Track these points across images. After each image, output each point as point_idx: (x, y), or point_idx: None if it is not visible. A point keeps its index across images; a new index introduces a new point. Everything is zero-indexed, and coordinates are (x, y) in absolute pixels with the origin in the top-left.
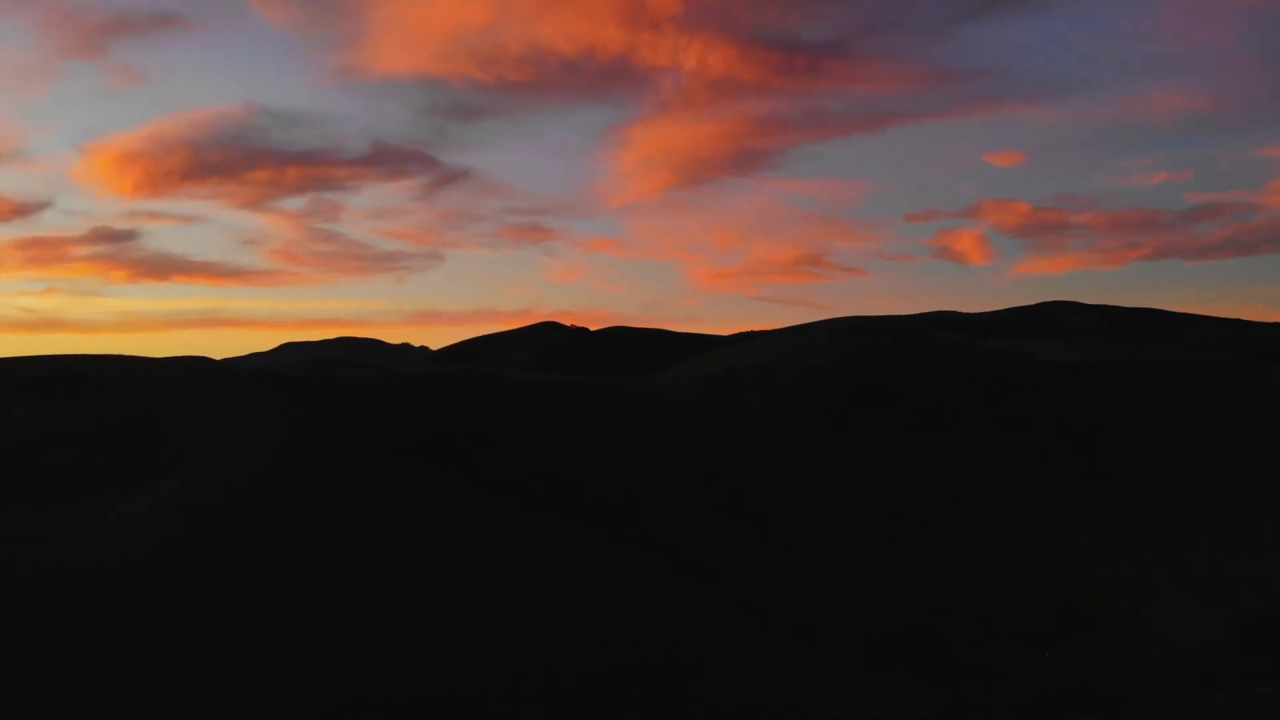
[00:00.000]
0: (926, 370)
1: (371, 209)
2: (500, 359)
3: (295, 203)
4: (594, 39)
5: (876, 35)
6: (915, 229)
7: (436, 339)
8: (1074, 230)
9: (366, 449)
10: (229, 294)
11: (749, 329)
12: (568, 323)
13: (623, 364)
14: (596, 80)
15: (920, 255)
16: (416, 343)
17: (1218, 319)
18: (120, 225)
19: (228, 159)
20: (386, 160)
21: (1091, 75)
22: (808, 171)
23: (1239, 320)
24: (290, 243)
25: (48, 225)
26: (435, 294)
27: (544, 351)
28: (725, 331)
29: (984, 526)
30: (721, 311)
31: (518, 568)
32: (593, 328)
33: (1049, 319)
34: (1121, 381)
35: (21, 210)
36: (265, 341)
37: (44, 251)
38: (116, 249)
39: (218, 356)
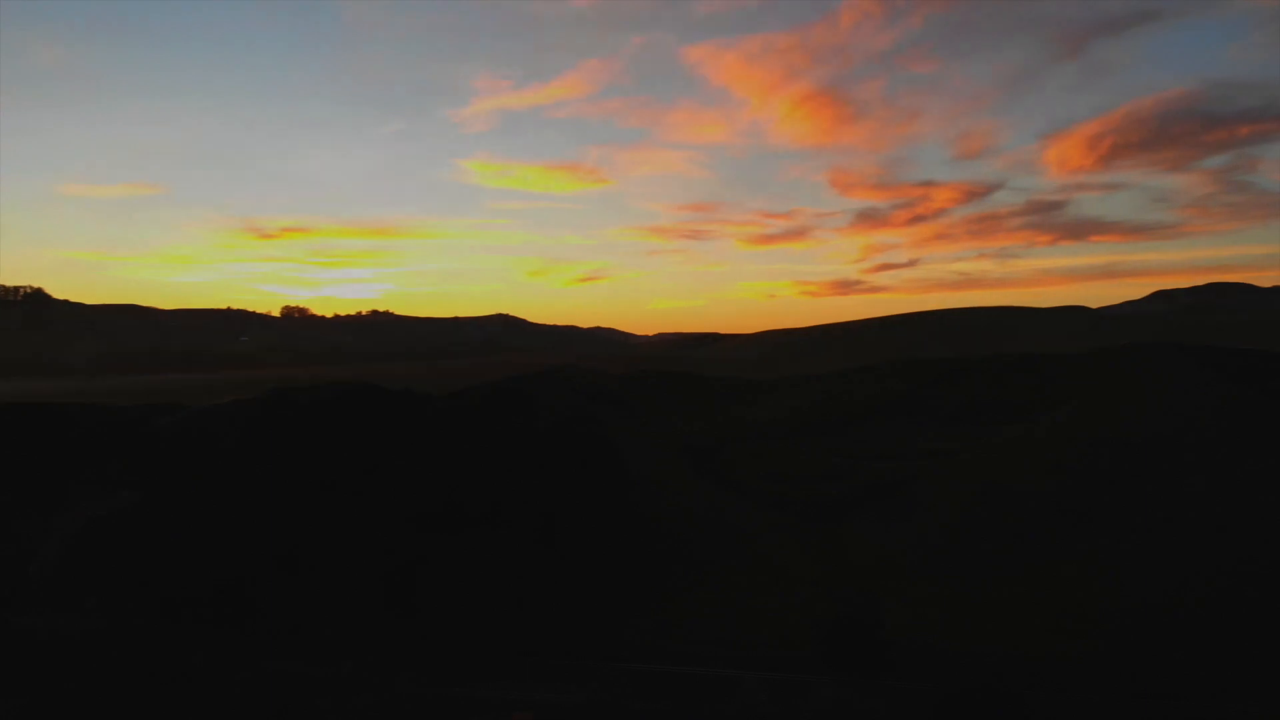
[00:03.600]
0: None
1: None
2: None
3: (1214, 161)
4: None
5: None
6: None
7: None
8: None
9: (1233, 390)
10: (1128, 249)
11: None
12: None
13: None
14: None
15: None
16: None
17: None
18: (1053, 198)
19: (1159, 132)
20: None
21: None
22: None
23: None
24: (1201, 198)
25: (995, 204)
26: None
27: None
28: None
29: None
30: None
31: None
32: None
33: None
34: None
35: (975, 194)
36: (1139, 290)
37: (986, 225)
38: (1045, 218)
39: (1094, 306)
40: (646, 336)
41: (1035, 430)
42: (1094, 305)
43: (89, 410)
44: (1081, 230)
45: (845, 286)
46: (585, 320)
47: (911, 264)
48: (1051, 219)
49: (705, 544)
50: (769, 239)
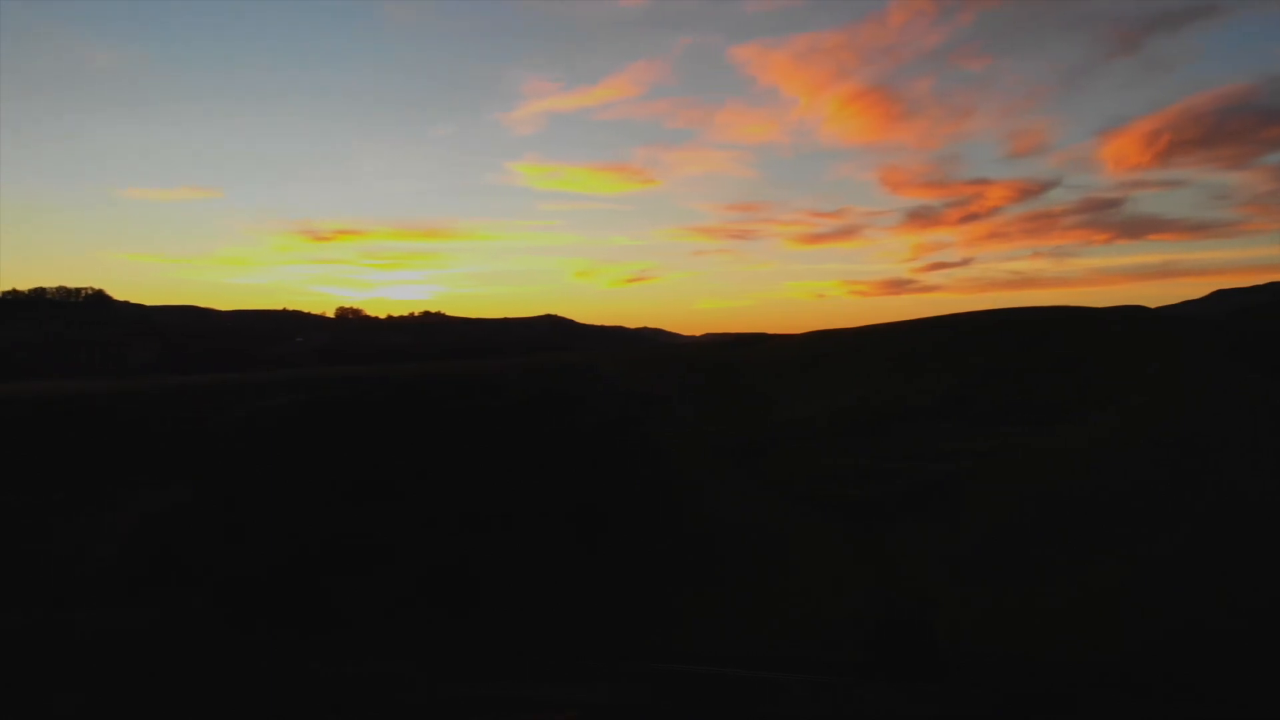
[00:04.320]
0: None
1: None
2: None
3: (1275, 158)
4: None
5: None
6: None
7: None
8: None
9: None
10: (1187, 248)
11: None
12: None
13: None
14: None
15: None
16: None
17: None
18: (1109, 195)
19: (1217, 128)
20: None
21: None
22: None
23: None
24: (1261, 195)
25: (1050, 202)
26: None
27: None
28: None
29: None
30: None
31: None
32: None
33: None
34: None
35: (1030, 192)
36: (1198, 290)
37: (1040, 224)
38: (1101, 216)
39: (1152, 305)
40: (694, 337)
41: (1088, 431)
42: (1152, 305)
43: (147, 408)
44: (1138, 228)
45: (896, 286)
46: (632, 320)
47: (965, 263)
48: (1107, 217)
49: (747, 545)
50: (818, 238)
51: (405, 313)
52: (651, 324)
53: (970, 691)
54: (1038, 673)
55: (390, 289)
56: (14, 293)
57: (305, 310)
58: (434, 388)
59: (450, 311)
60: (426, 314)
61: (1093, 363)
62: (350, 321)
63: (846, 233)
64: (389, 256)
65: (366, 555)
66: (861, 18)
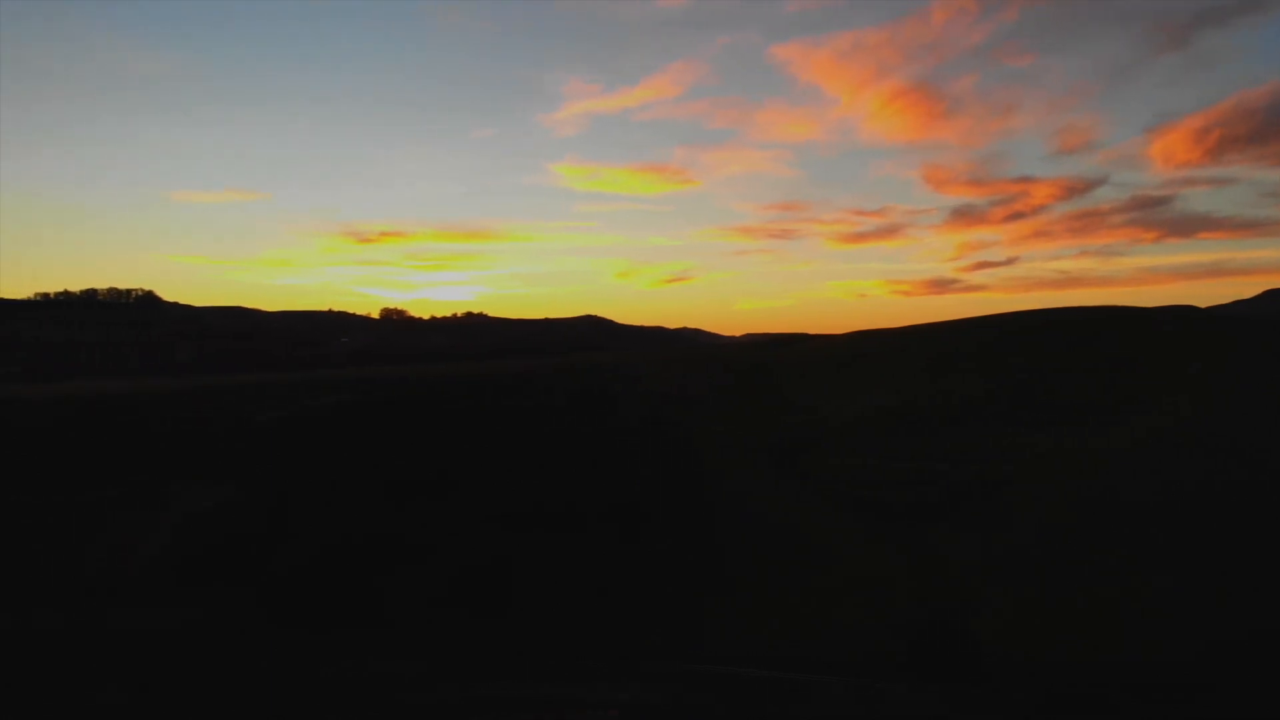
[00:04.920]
0: None
1: None
2: None
3: None
4: None
5: None
6: None
7: None
8: None
9: None
10: (1237, 246)
11: None
12: None
13: None
14: None
15: None
16: None
17: None
18: (1157, 193)
19: (1268, 124)
20: None
21: None
22: None
23: None
24: None
25: (1096, 200)
26: None
27: None
28: None
29: None
30: None
31: None
32: None
33: None
34: None
35: (1076, 190)
36: (1249, 289)
37: (1087, 223)
38: (1149, 214)
39: (1202, 305)
40: (733, 337)
41: (1136, 434)
42: (1202, 304)
43: (195, 407)
44: (1188, 227)
45: (940, 285)
46: (672, 321)
47: (1010, 262)
48: (1156, 215)
49: (785, 547)
50: (859, 237)
51: (447, 314)
52: (691, 324)
53: (1011, 694)
54: (1079, 676)
55: (433, 290)
56: (66, 294)
57: (350, 311)
58: (475, 388)
59: (491, 312)
60: (468, 315)
61: (1142, 363)
62: (394, 322)
63: (889, 232)
64: (432, 258)
65: (406, 554)
66: (904, 15)
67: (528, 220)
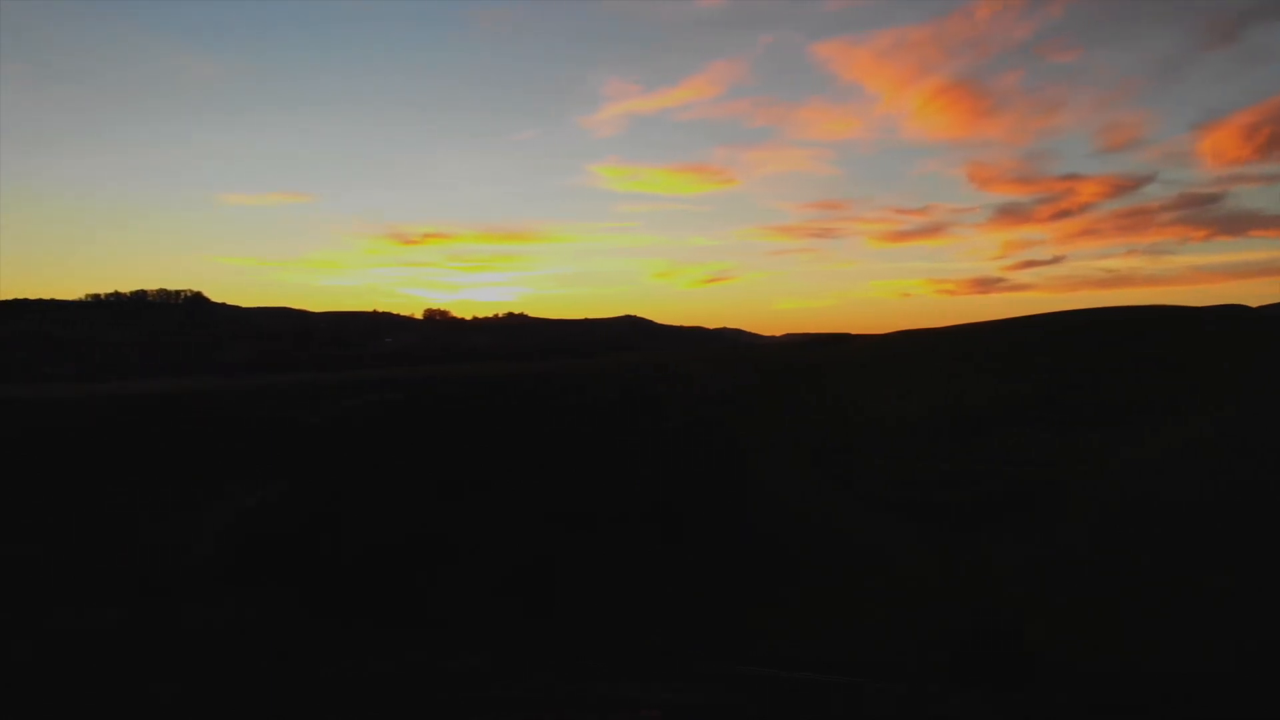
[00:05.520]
0: None
1: None
2: None
3: None
4: None
5: None
6: None
7: None
8: None
9: None
10: None
11: None
12: None
13: None
14: None
15: None
16: None
17: None
18: (1207, 190)
19: None
20: None
21: None
22: None
23: None
24: None
25: (1145, 197)
26: None
27: None
28: None
29: None
30: None
31: None
32: None
33: None
34: None
35: (1124, 187)
36: None
37: (1135, 220)
38: (1199, 211)
39: (1254, 304)
40: (774, 337)
41: (1187, 436)
42: (1253, 304)
43: (244, 406)
44: (1239, 224)
45: (985, 285)
46: (712, 321)
47: (1056, 261)
48: (1206, 213)
49: (828, 549)
50: (902, 236)
51: (490, 314)
52: (731, 324)
53: (1058, 700)
54: (1128, 684)
55: (475, 291)
56: (116, 295)
57: (394, 312)
58: (517, 388)
59: (532, 312)
60: (510, 315)
61: (1191, 364)
62: (437, 323)
63: (932, 230)
64: (474, 259)
65: (452, 553)
66: (946, 12)
67: (568, 221)
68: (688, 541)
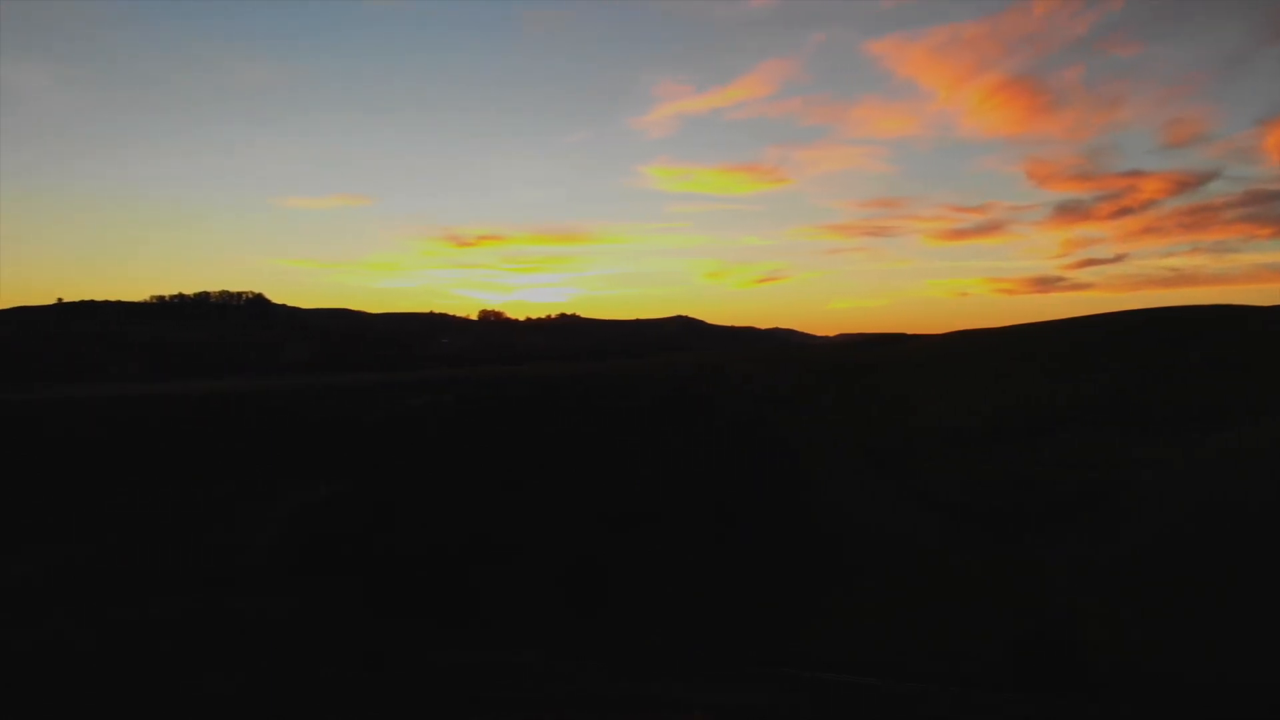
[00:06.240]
0: None
1: None
2: None
3: None
4: None
5: None
6: None
7: None
8: None
9: None
10: None
11: None
12: None
13: None
14: None
15: None
16: None
17: None
18: (1274, 187)
19: None
20: None
21: None
22: None
23: None
24: None
25: (1209, 194)
26: None
27: None
28: None
29: None
30: None
31: None
32: None
33: None
34: None
35: (1187, 184)
36: None
37: (1199, 218)
38: (1265, 209)
39: None
40: (827, 337)
41: (1255, 438)
42: None
43: (305, 405)
44: None
45: (1045, 284)
46: (764, 321)
47: (1118, 259)
48: (1273, 210)
49: (881, 552)
50: (959, 234)
51: (542, 315)
52: (783, 324)
53: (1118, 708)
54: (1191, 694)
55: (528, 291)
56: (181, 296)
57: (450, 313)
58: (570, 388)
59: (584, 313)
60: (562, 316)
61: (1255, 364)
62: (491, 324)
63: (990, 228)
64: (527, 260)
65: (505, 549)
66: (1003, 7)
67: (619, 222)
68: (738, 542)
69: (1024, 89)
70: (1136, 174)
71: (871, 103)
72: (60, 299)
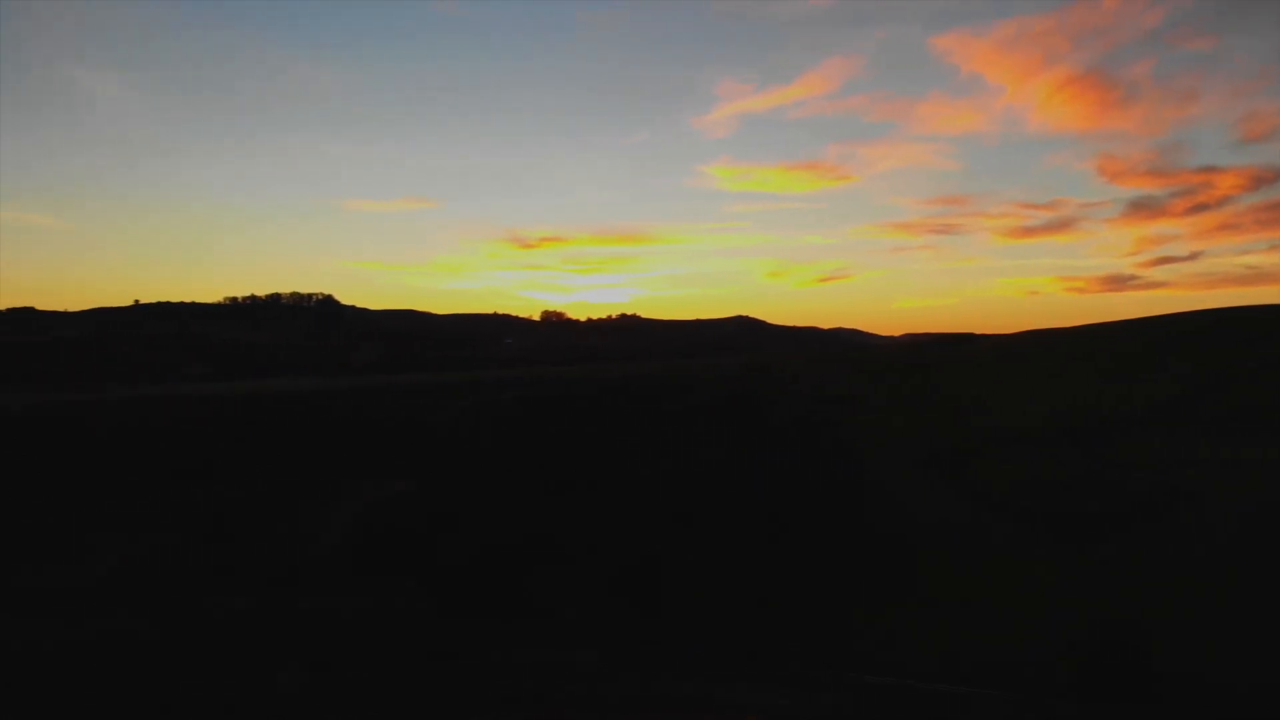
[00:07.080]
0: None
1: None
2: None
3: None
4: None
5: None
6: None
7: None
8: None
9: None
10: None
11: None
12: None
13: None
14: None
15: None
16: None
17: None
18: None
19: None
20: None
21: None
22: None
23: None
24: None
25: None
26: None
27: None
28: None
29: None
30: None
31: None
32: None
33: None
34: None
35: (1265, 179)
36: None
37: (1276, 214)
38: None
39: None
40: (892, 337)
41: None
42: None
43: (373, 405)
44: None
45: (1117, 282)
46: (826, 321)
47: (1193, 257)
48: None
49: (943, 556)
50: (1028, 232)
51: (604, 315)
52: (846, 324)
53: (1185, 718)
54: (1259, 701)
55: (590, 292)
56: (253, 298)
57: (513, 314)
58: (632, 388)
59: (645, 314)
60: (624, 316)
61: None
62: (554, 324)
63: (1060, 226)
64: (589, 261)
65: (564, 551)
66: (1071, 0)
67: (681, 222)
68: (798, 544)
69: (1094, 83)
70: (1211, 170)
71: (937, 99)
72: (137, 300)
